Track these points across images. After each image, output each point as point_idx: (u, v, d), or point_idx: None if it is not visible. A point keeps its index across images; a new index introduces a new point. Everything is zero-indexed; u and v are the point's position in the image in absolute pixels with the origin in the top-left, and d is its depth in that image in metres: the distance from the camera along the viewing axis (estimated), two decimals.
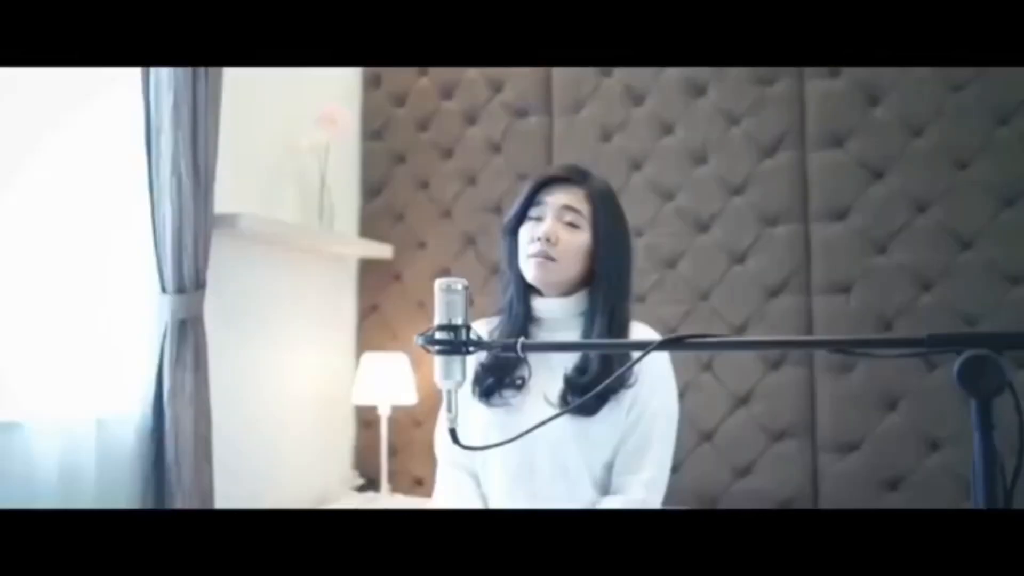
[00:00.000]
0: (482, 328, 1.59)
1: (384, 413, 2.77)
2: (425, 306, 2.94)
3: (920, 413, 2.33)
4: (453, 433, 1.15)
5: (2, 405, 1.88)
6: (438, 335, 1.12)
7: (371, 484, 2.93)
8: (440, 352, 1.12)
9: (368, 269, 3.09)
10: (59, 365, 2.01)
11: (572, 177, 1.56)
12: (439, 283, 1.12)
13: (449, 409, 1.15)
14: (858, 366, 2.41)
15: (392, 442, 2.85)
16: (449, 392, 1.14)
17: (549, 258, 1.51)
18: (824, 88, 2.51)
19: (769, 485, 2.46)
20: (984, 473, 0.87)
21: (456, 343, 1.11)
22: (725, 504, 2.47)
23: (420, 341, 1.13)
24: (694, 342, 1.02)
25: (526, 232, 1.56)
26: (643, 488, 1.45)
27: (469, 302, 1.14)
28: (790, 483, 2.45)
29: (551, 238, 1.51)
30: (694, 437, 2.55)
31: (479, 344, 1.14)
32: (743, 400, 2.53)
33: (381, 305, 3.05)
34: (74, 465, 2.01)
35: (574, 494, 1.48)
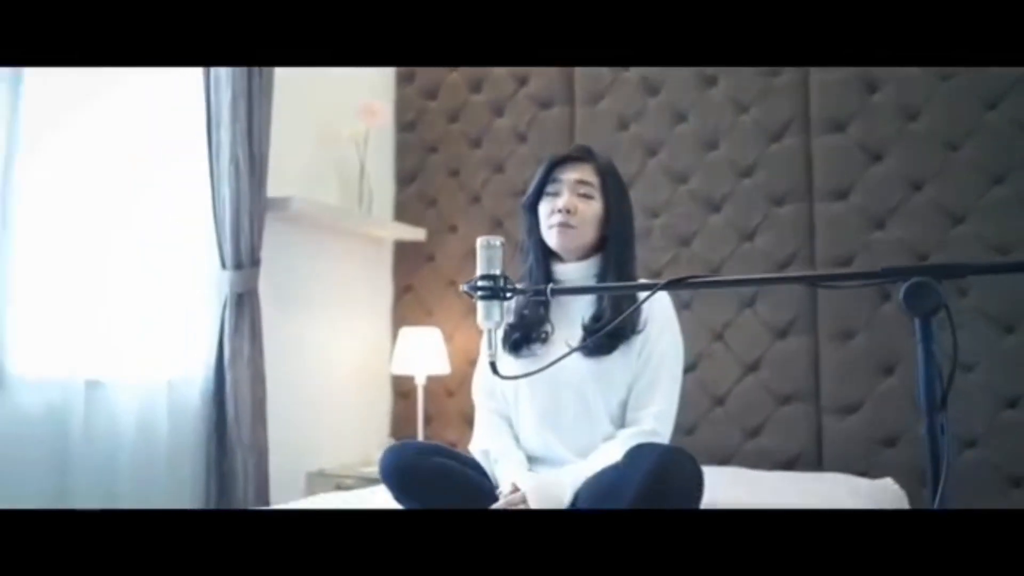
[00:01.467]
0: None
1: (420, 383, 2.99)
2: (456, 284, 3.17)
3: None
4: (493, 366, 1.37)
5: (88, 366, 2.13)
6: (480, 283, 1.33)
7: None
8: (482, 297, 1.33)
9: (403, 251, 3.32)
10: (135, 332, 2.26)
11: (581, 156, 1.79)
12: (480, 240, 1.34)
13: (490, 346, 1.36)
14: (859, 335, 2.60)
15: (427, 411, 3.08)
16: (490, 331, 1.36)
17: (569, 226, 1.73)
18: (826, 78, 2.70)
19: (777, 445, 2.66)
20: (925, 377, 1.07)
21: (495, 289, 1.32)
22: (737, 462, 2.67)
23: (465, 288, 1.35)
24: (694, 281, 1.23)
25: (546, 206, 1.78)
26: (653, 420, 1.66)
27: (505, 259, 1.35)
28: (796, 442, 2.64)
29: (570, 209, 1.73)
30: (707, 402, 2.75)
31: (515, 290, 1.35)
32: (752, 367, 2.72)
33: (415, 284, 3.28)
34: (149, 421, 2.27)
35: (594, 429, 1.70)
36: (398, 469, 1.61)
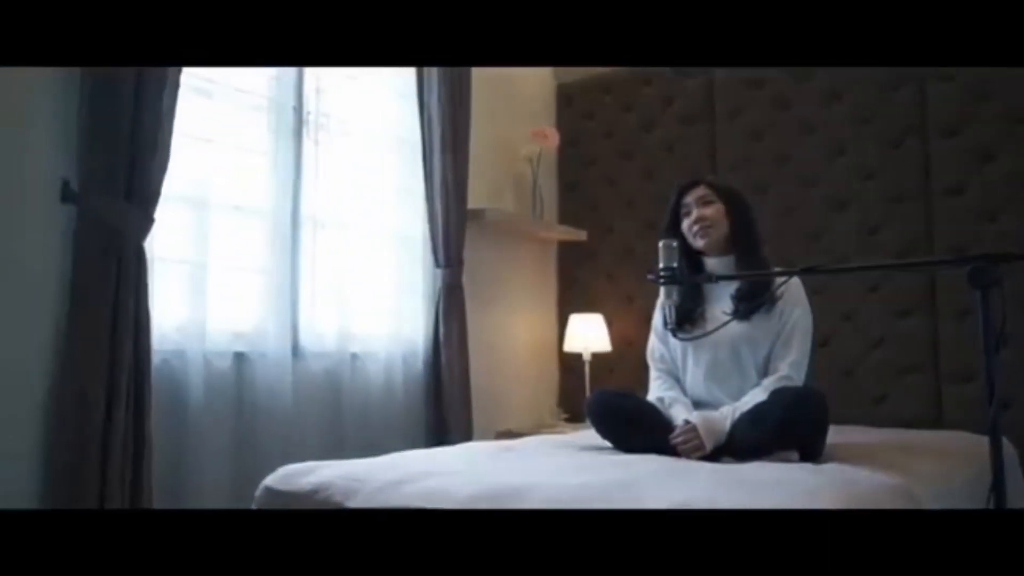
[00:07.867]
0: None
1: (587, 359, 3.59)
2: (614, 278, 3.74)
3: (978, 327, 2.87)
4: (673, 331, 1.94)
5: (352, 343, 2.84)
6: (663, 272, 1.89)
7: (572, 418, 3.75)
8: (664, 282, 1.89)
9: (567, 249, 3.93)
10: (380, 317, 2.97)
11: (694, 180, 2.36)
12: (662, 242, 1.88)
13: (668, 316, 1.93)
14: (973, 314, 2.98)
15: (591, 383, 3.66)
16: (669, 306, 1.92)
17: (707, 227, 2.28)
18: (941, 89, 3.09)
19: (900, 409, 3.08)
20: (985, 337, 1.56)
21: (673, 277, 1.88)
22: (864, 423, 3.09)
23: (651, 277, 1.91)
24: (821, 269, 1.75)
25: (685, 223, 2.33)
26: (789, 367, 2.18)
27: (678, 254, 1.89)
28: (917, 407, 3.05)
29: (702, 217, 2.28)
30: (837, 373, 3.20)
31: (692, 278, 1.92)
32: (877, 344, 3.15)
33: (579, 277, 3.88)
34: (390, 384, 2.97)
35: (745, 378, 2.23)
36: (602, 408, 2.21)
